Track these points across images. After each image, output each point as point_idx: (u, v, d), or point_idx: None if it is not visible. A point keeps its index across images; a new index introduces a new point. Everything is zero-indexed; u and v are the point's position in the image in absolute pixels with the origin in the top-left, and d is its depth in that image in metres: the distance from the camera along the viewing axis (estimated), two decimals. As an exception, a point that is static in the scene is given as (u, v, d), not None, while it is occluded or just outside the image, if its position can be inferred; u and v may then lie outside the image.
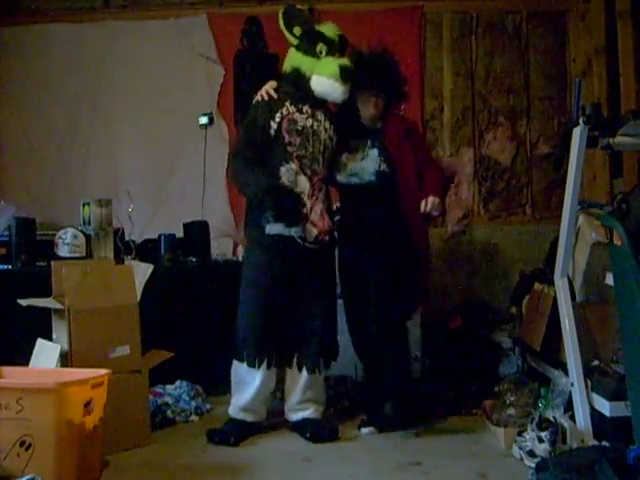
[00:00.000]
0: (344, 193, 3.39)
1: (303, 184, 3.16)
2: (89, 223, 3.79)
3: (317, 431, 3.19)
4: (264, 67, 4.32)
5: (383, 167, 3.25)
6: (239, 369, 3.23)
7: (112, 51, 4.79)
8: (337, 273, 3.40)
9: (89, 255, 3.76)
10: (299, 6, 3.36)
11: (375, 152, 3.26)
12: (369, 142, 3.28)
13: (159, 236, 4.05)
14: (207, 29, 4.74)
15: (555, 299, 3.13)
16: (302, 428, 3.23)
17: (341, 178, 3.30)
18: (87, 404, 2.57)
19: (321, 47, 3.15)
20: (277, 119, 3.17)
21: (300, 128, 3.17)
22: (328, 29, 3.23)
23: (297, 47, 3.21)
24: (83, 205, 3.85)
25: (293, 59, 3.24)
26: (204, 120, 4.49)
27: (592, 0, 4.63)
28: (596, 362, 2.97)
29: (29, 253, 3.74)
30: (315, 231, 3.17)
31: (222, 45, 4.72)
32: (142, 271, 3.37)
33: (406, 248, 3.27)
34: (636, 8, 4.38)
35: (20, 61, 4.83)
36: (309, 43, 3.18)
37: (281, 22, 3.22)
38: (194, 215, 4.24)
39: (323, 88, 3.14)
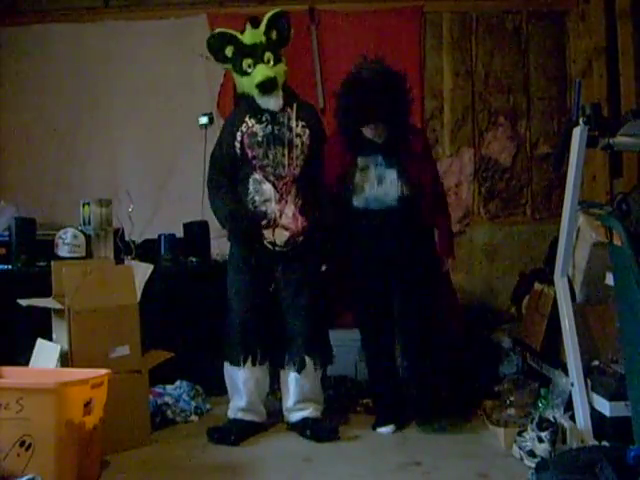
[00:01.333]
0: (359, 216, 3.26)
1: (268, 191, 3.19)
2: (89, 223, 3.80)
3: (317, 430, 3.19)
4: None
5: (405, 191, 3.20)
6: (228, 370, 3.29)
7: (112, 51, 4.78)
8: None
9: (89, 255, 3.76)
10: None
11: (393, 175, 3.21)
12: (380, 159, 3.22)
13: (159, 236, 4.05)
14: (207, 29, 4.73)
15: (555, 299, 3.13)
16: (302, 428, 3.23)
17: (358, 202, 3.24)
18: (87, 404, 2.58)
19: (246, 63, 3.22)
20: (238, 138, 3.24)
21: (260, 139, 3.21)
22: (247, 35, 3.25)
23: (234, 70, 3.29)
24: (83, 205, 3.86)
25: (237, 82, 3.34)
26: (204, 120, 4.49)
27: (592, 0, 4.63)
28: (596, 362, 2.96)
29: (29, 253, 3.75)
30: (287, 234, 3.19)
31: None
32: (142, 271, 3.37)
33: (435, 273, 3.31)
34: (636, 8, 4.37)
35: (20, 61, 4.82)
36: (238, 63, 3.24)
37: (209, 52, 3.29)
38: (194, 215, 4.23)
39: (263, 103, 3.23)
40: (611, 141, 2.95)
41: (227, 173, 3.29)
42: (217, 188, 3.30)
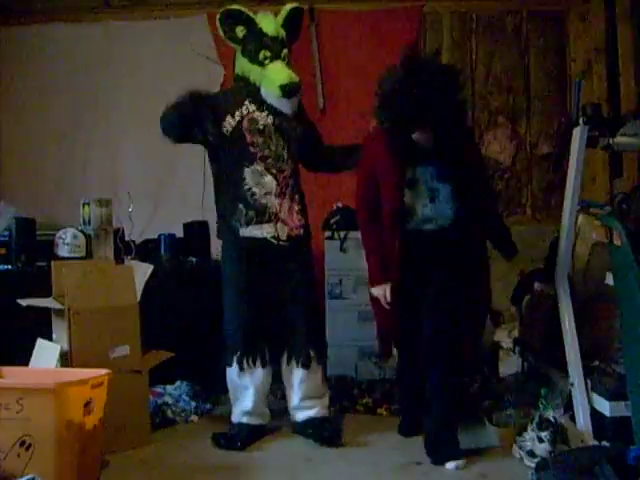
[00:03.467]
0: (410, 239, 2.90)
1: (270, 184, 3.13)
2: (89, 223, 3.79)
3: (321, 433, 3.14)
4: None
5: (460, 209, 2.87)
6: (232, 375, 3.21)
7: (112, 51, 4.79)
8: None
9: (89, 255, 3.75)
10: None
11: (447, 190, 2.88)
12: (432, 170, 2.88)
13: (159, 236, 4.05)
14: (207, 29, 4.73)
15: (555, 299, 3.13)
16: (307, 428, 3.19)
17: (411, 226, 2.89)
18: (87, 404, 2.57)
19: (264, 54, 3.10)
20: (237, 117, 3.14)
21: (261, 127, 3.14)
22: (268, 24, 3.13)
23: (242, 52, 3.17)
24: (83, 205, 3.85)
25: (241, 65, 3.20)
26: (204, 120, 4.48)
27: (592, 0, 4.63)
28: (596, 362, 2.97)
29: (29, 253, 3.74)
30: (286, 229, 3.16)
31: (222, 45, 4.71)
32: (142, 271, 3.37)
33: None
34: (636, 8, 4.38)
35: (20, 61, 4.83)
36: (252, 50, 3.12)
37: (220, 26, 3.14)
38: (194, 215, 4.24)
39: (272, 101, 3.12)
40: (611, 141, 2.95)
41: (187, 120, 3.16)
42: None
